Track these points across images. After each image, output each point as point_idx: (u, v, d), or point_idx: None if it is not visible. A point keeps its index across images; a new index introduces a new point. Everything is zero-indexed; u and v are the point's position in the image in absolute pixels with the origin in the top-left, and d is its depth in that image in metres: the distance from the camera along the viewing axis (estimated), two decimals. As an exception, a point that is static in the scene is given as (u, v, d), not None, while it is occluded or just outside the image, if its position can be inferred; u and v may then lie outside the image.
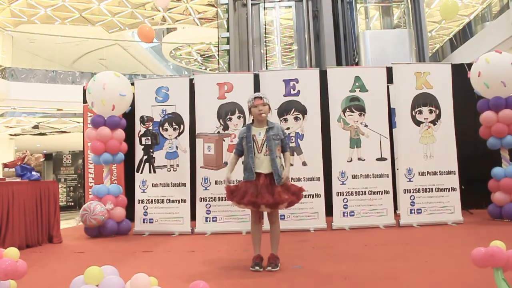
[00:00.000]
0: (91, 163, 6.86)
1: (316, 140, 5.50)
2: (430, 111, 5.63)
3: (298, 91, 5.57)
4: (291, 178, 5.13)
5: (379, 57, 10.06)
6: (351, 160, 5.50)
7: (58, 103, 15.75)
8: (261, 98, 3.37)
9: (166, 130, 5.77)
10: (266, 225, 3.79)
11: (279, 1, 11.33)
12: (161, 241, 5.01)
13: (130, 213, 5.80)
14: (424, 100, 5.63)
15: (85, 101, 6.72)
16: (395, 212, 5.52)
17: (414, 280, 2.85)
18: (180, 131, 5.74)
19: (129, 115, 6.05)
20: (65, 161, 17.27)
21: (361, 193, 5.44)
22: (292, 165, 5.40)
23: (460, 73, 6.29)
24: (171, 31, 21.54)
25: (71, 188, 17.05)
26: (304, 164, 5.47)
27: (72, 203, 16.67)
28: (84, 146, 7.40)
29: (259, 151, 3.32)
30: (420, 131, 5.58)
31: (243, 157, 3.44)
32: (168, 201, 5.63)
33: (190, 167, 5.65)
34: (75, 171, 17.07)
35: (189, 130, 5.72)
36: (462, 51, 14.83)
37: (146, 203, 5.67)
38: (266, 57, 11.38)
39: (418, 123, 5.61)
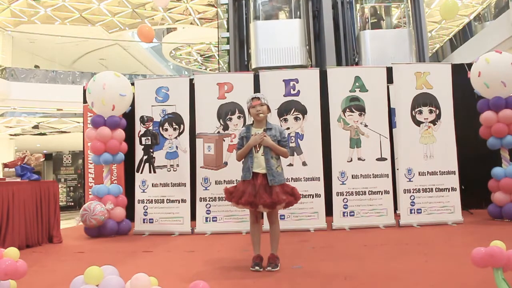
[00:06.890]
0: (91, 163, 6.86)
1: (316, 140, 5.50)
2: (430, 111, 5.63)
3: (298, 91, 5.57)
4: (291, 178, 5.19)
5: (379, 57, 10.04)
6: (351, 160, 5.50)
7: (58, 103, 15.78)
8: (258, 98, 3.37)
9: (166, 130, 5.77)
10: (266, 225, 3.79)
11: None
12: (161, 241, 5.01)
13: (130, 213, 5.80)
14: (424, 100, 5.63)
15: (85, 101, 6.72)
16: (395, 212, 5.51)
17: (414, 280, 2.85)
18: (180, 131, 5.74)
19: (129, 115, 6.05)
20: (65, 161, 17.28)
21: (361, 193, 5.43)
22: (292, 165, 5.42)
23: (460, 73, 6.29)
24: (171, 31, 21.55)
25: (71, 188, 17.05)
26: (304, 164, 5.47)
27: (72, 203, 16.68)
28: (84, 146, 7.40)
29: (257, 151, 3.32)
30: (420, 131, 5.58)
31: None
32: (168, 201, 5.63)
33: (190, 167, 5.65)
34: (75, 171, 17.08)
35: (189, 130, 5.72)
36: (462, 51, 14.85)
37: (146, 203, 5.67)
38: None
39: (418, 123, 5.60)
